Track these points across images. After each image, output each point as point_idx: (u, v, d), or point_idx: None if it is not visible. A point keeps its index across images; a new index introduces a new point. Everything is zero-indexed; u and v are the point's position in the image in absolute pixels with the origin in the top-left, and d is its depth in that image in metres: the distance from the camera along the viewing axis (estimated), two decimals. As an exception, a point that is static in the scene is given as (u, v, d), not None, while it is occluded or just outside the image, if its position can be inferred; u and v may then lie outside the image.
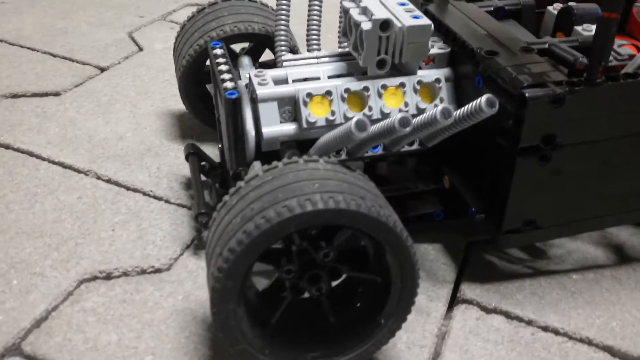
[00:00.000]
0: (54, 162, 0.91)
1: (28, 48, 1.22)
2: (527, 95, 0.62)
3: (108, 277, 0.73)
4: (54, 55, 1.20)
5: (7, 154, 0.92)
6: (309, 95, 0.71)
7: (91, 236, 0.78)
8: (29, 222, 0.80)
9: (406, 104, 0.73)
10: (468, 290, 0.76)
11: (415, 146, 0.74)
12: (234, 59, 0.91)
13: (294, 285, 0.60)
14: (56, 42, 1.25)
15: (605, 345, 0.69)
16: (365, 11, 0.72)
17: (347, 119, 0.71)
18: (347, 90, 0.72)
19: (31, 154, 0.92)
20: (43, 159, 0.91)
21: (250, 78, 0.73)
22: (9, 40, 1.25)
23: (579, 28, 0.77)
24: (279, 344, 0.60)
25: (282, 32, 0.84)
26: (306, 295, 0.62)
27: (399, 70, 0.74)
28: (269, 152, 0.73)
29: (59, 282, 0.72)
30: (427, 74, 0.74)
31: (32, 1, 1.43)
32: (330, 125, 0.71)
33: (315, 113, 0.71)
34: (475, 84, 0.71)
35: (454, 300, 0.75)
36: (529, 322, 0.72)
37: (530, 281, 0.77)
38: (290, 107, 0.72)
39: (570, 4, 0.82)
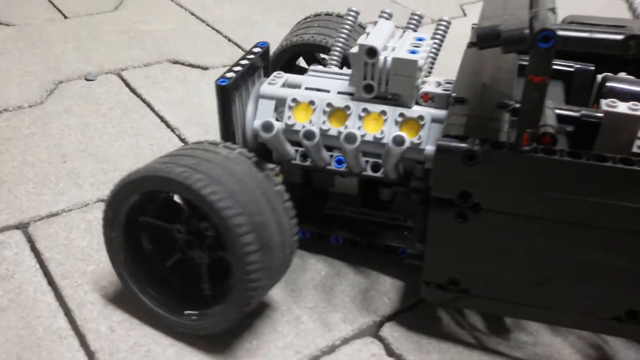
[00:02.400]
0: (157, 115, 1.12)
1: (216, 30, 1.48)
2: (439, 143, 0.61)
3: (120, 204, 0.90)
4: (229, 40, 1.43)
5: (133, 100, 1.17)
6: (295, 100, 0.77)
7: (134, 173, 0.96)
8: (105, 150, 1.02)
9: (382, 132, 0.75)
10: (389, 329, 0.74)
11: (379, 174, 0.75)
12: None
13: (181, 246, 0.70)
14: (240, 31, 1.48)
15: None
16: (367, 36, 0.76)
17: (322, 130, 0.76)
18: (329, 105, 0.76)
19: (148, 105, 1.15)
20: (152, 110, 1.13)
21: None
22: (208, 21, 1.53)
23: (604, 101, 0.68)
24: (150, 282, 0.70)
25: (337, 46, 0.91)
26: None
27: (394, 100, 0.76)
28: None
29: (86, 195, 0.91)
30: (415, 110, 0.75)
31: (252, -3, 1.71)
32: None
33: (297, 118, 0.78)
34: None
35: (369, 333, 0.74)
36: (421, 382, 0.68)
37: (463, 350, 0.72)
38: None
39: (620, 74, 0.73)
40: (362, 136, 0.75)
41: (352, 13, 0.94)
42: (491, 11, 0.57)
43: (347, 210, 0.84)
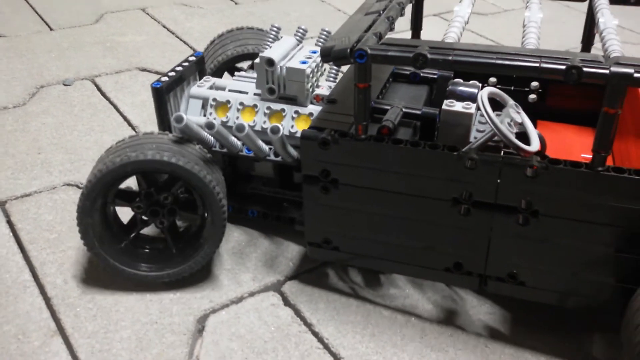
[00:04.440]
0: (122, 115, 1.32)
1: (183, 41, 1.67)
2: (302, 132, 0.79)
3: (79, 187, 1.09)
4: (193, 50, 1.62)
5: (103, 102, 1.36)
6: (215, 100, 0.97)
7: (96, 163, 1.16)
8: (74, 144, 1.21)
9: (282, 125, 0.93)
10: (289, 286, 0.92)
11: (279, 158, 0.94)
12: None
13: (142, 218, 0.88)
14: (204, 42, 1.66)
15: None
16: (270, 48, 0.95)
17: (234, 123, 0.95)
18: (241, 104, 0.95)
19: (115, 107, 1.35)
20: (118, 111, 1.33)
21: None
22: (178, 33, 1.72)
23: (445, 101, 0.86)
24: (125, 254, 0.89)
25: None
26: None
27: (293, 100, 0.95)
28: None
29: (55, 180, 1.10)
30: (308, 108, 0.93)
31: (221, 11, 1.90)
32: (224, 126, 0.95)
33: (218, 114, 0.97)
34: None
35: (273, 288, 0.92)
36: (307, 324, 0.86)
37: (345, 300, 0.90)
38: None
39: (474, 82, 0.91)
40: (266, 128, 0.94)
41: (274, 28, 1.13)
42: (338, 33, 0.76)
43: (266, 190, 1.03)
